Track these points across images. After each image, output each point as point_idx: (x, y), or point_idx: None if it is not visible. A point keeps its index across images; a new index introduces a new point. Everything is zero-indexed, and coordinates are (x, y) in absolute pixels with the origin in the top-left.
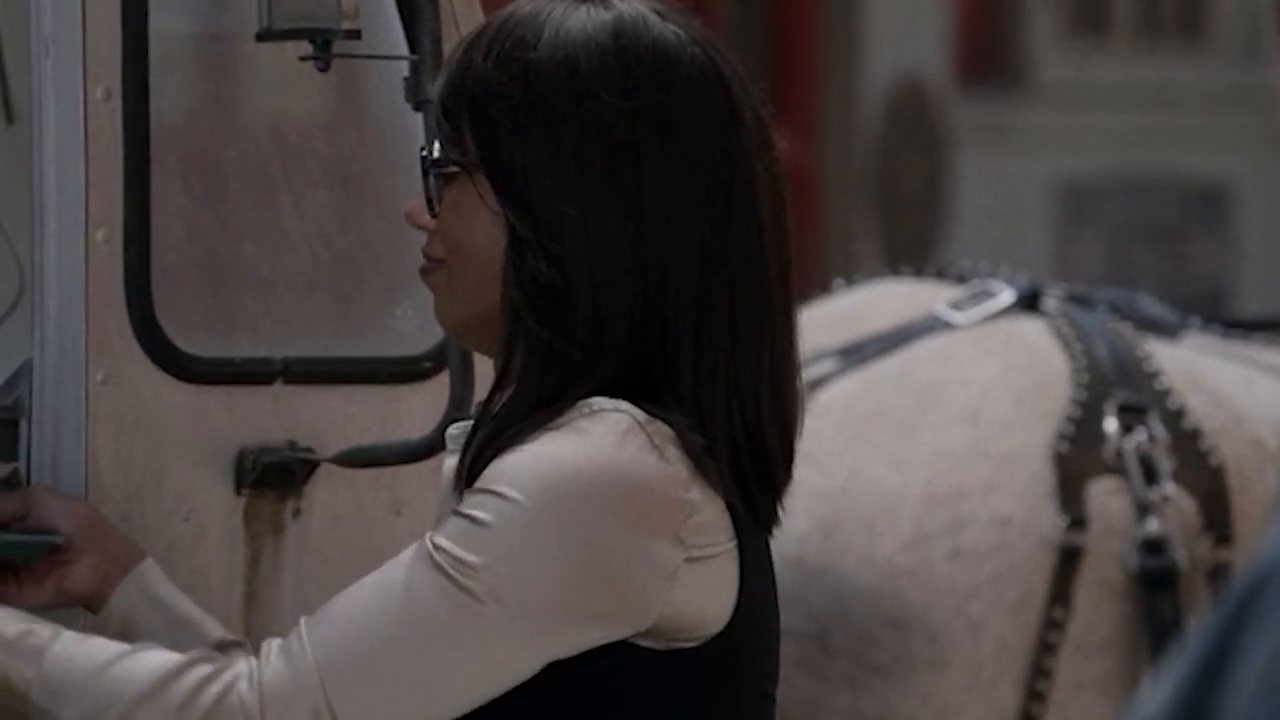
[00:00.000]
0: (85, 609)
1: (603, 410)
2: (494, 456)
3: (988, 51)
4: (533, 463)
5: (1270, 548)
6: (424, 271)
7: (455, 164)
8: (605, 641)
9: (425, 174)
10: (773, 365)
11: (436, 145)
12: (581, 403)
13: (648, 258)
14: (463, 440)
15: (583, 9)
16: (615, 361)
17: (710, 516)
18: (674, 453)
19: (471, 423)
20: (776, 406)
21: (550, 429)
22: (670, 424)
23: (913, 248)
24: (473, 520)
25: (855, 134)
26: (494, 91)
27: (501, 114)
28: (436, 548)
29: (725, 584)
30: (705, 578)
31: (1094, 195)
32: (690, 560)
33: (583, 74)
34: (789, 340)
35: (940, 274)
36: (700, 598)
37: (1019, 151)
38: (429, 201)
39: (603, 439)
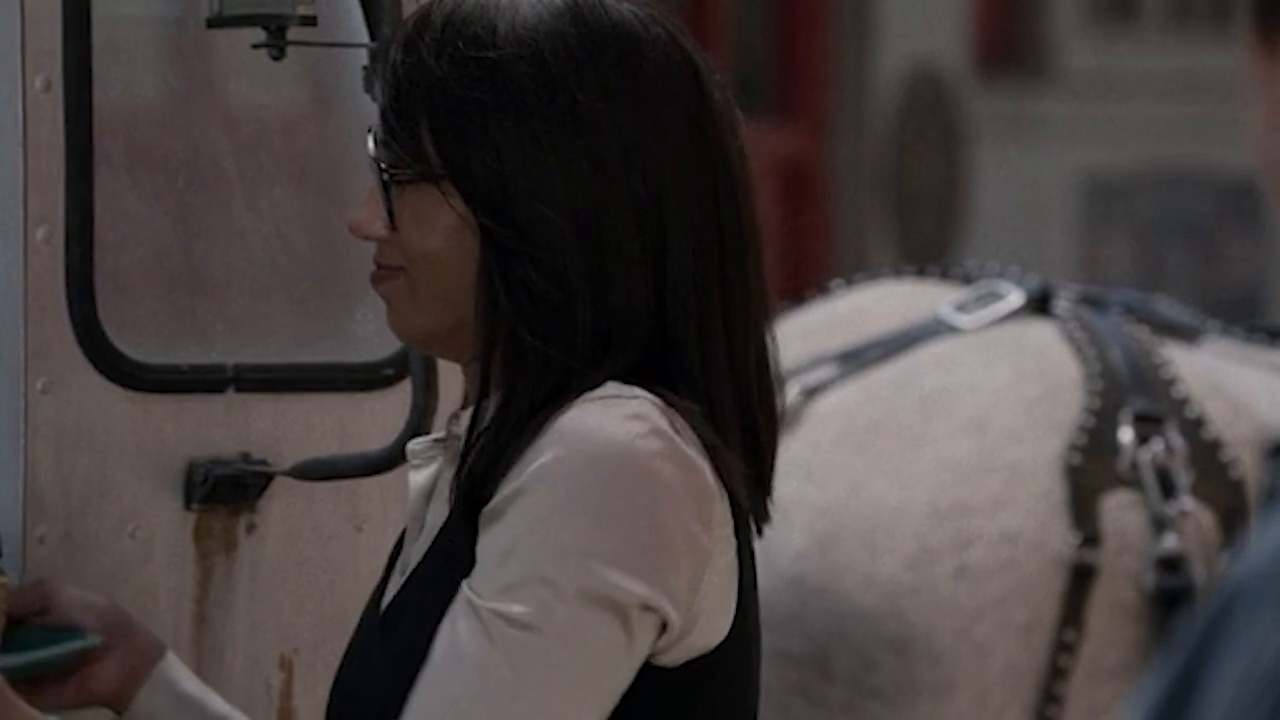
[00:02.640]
0: (110, 708)
1: (620, 396)
2: (504, 471)
3: (1008, 38)
4: (561, 464)
5: (1240, 565)
6: (377, 280)
7: (418, 175)
8: (661, 630)
9: (384, 185)
10: (759, 353)
11: (383, 149)
12: (591, 392)
13: (647, 251)
14: (427, 455)
15: None
16: (621, 361)
17: (724, 509)
18: (694, 439)
19: (434, 437)
20: (764, 396)
21: (563, 420)
22: (686, 412)
23: (928, 248)
24: (512, 551)
25: (867, 126)
26: (455, 95)
27: (467, 119)
28: (479, 600)
29: (731, 585)
30: (719, 576)
31: (1121, 191)
32: (714, 553)
33: (550, 67)
34: (768, 327)
35: (945, 274)
36: (716, 596)
37: (1041, 145)
38: (388, 212)
39: (629, 422)
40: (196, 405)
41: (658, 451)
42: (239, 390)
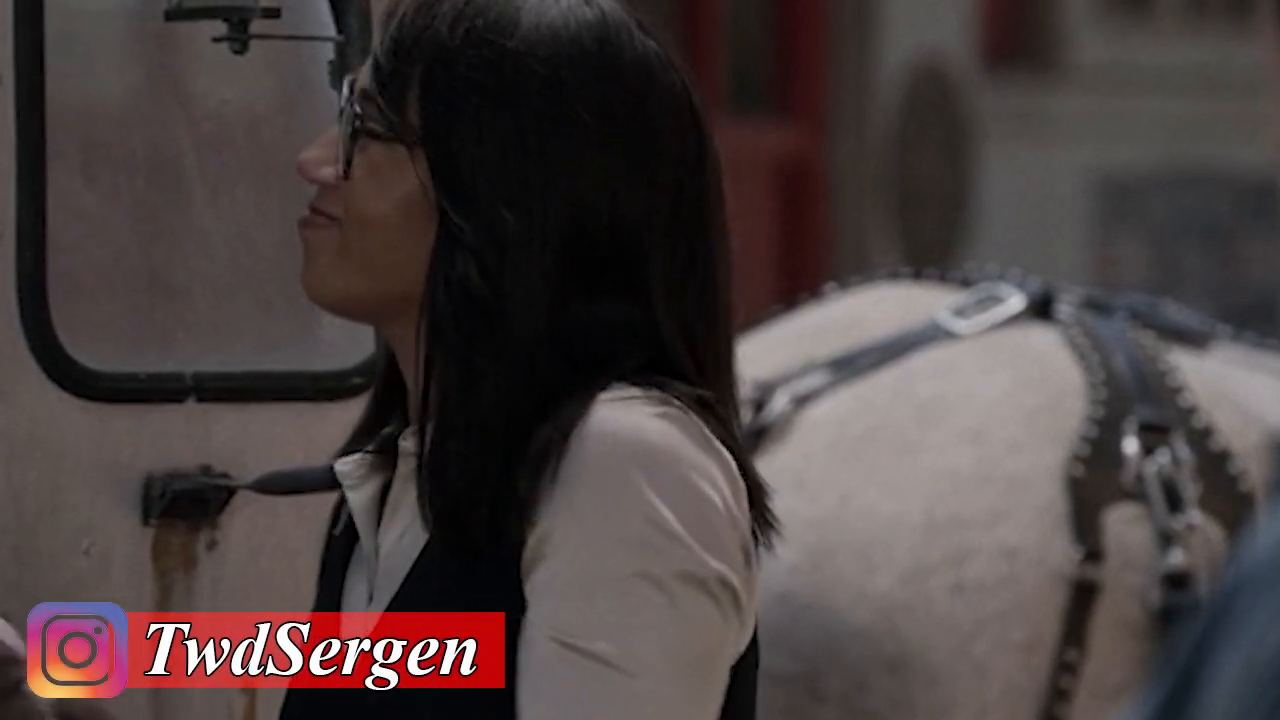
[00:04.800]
0: None
1: (639, 396)
2: (504, 494)
3: (1016, 31)
4: (603, 470)
5: (1245, 554)
6: (307, 224)
7: (393, 134)
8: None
9: (353, 132)
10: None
11: (362, 98)
12: (606, 392)
13: (616, 280)
14: (360, 475)
15: (564, 1)
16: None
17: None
18: (717, 432)
19: (363, 454)
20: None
21: (588, 425)
22: (698, 410)
23: (932, 250)
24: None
25: (869, 124)
26: (458, 71)
27: (463, 98)
28: (572, 638)
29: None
30: (754, 570)
31: (1135, 191)
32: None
33: (562, 74)
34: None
35: (943, 277)
36: (754, 590)
37: (1051, 143)
38: (346, 161)
39: (657, 419)
40: (155, 415)
41: (692, 442)
42: (199, 400)
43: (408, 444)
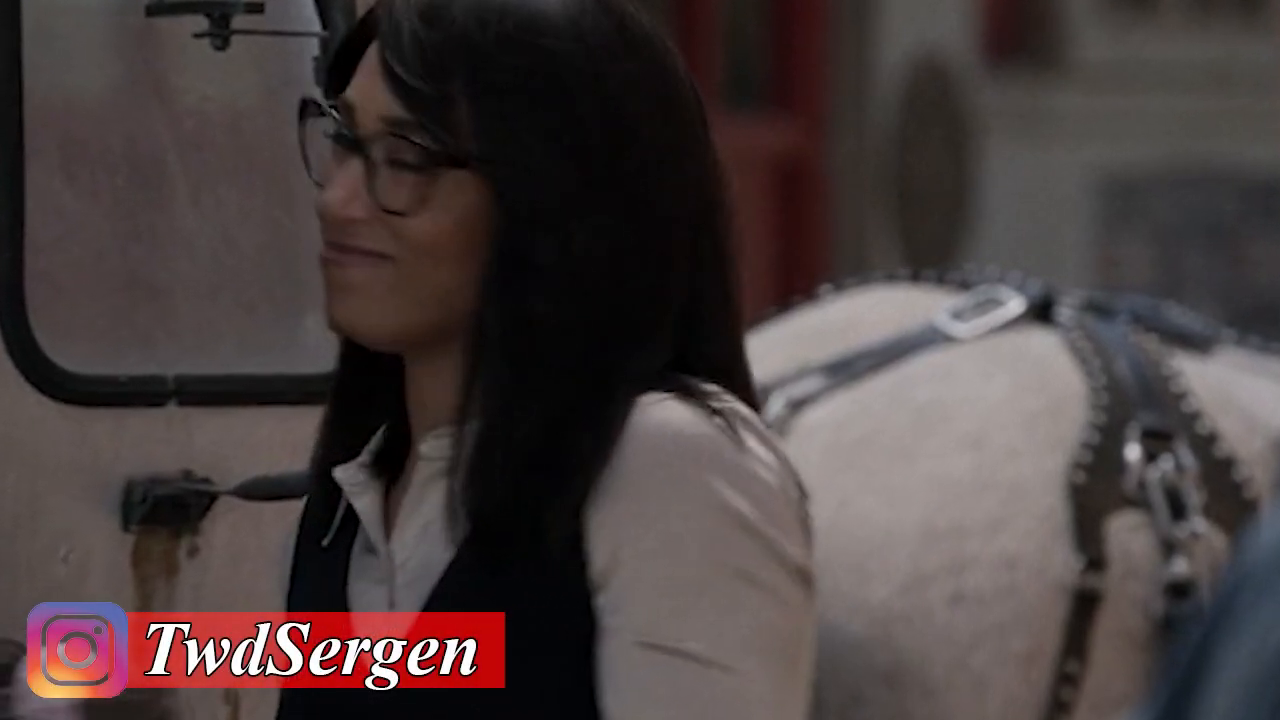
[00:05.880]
0: None
1: (690, 393)
2: (549, 497)
3: (1019, 27)
4: (671, 470)
5: (1248, 550)
6: (348, 264)
7: (445, 158)
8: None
9: (395, 162)
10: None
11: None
12: (653, 394)
13: (668, 277)
14: (361, 482)
15: None
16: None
17: None
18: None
19: (362, 462)
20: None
21: (643, 424)
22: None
23: (933, 250)
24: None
25: (869, 121)
26: (504, 79)
27: (517, 107)
28: (674, 642)
29: None
30: None
31: (1139, 190)
32: None
33: (605, 72)
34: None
35: (941, 279)
36: None
37: (1054, 141)
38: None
39: (709, 417)
40: (135, 419)
41: (742, 433)
42: (181, 403)
43: (428, 449)
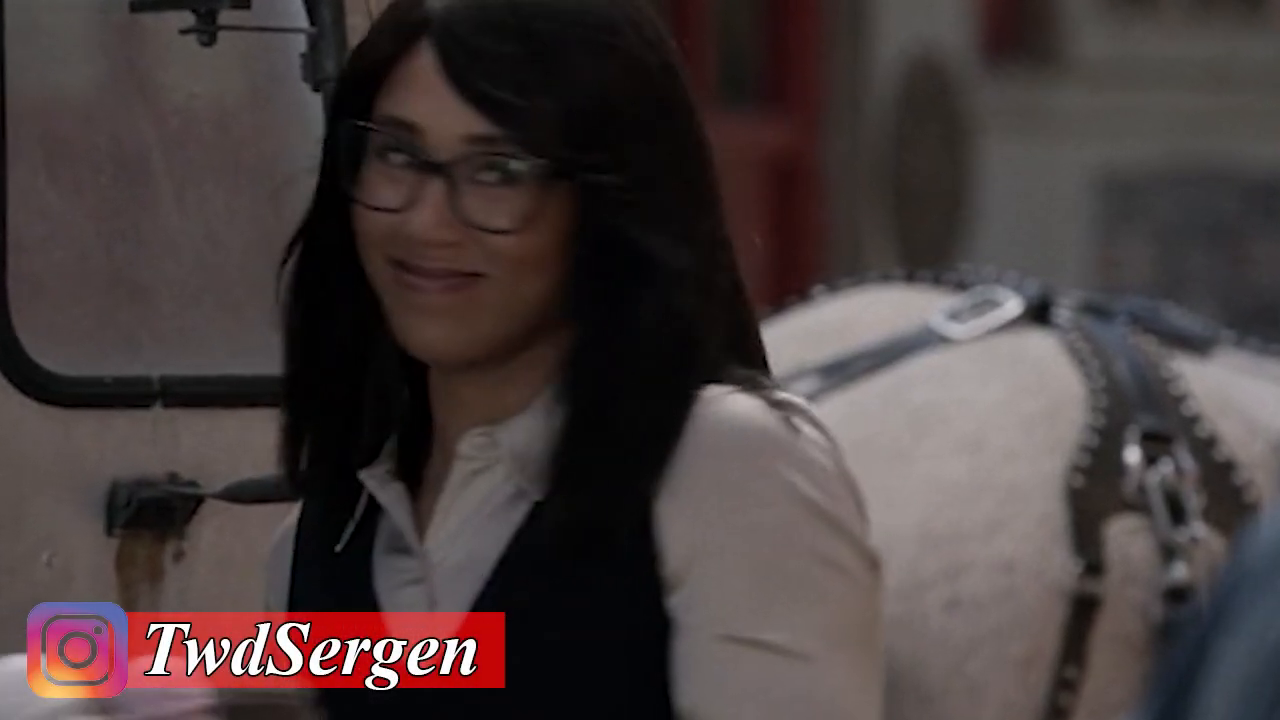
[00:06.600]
0: None
1: (753, 387)
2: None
3: (1017, 24)
4: (744, 465)
5: (1247, 546)
6: (433, 290)
7: (544, 170)
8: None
9: (489, 179)
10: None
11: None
12: (715, 388)
13: (724, 285)
14: (390, 484)
15: None
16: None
17: None
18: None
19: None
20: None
21: (713, 417)
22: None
23: (930, 250)
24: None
25: (864, 119)
26: (590, 84)
27: (607, 110)
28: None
29: None
30: None
31: (1140, 189)
32: None
33: (669, 62)
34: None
35: (937, 279)
36: None
37: (1053, 139)
38: (458, 207)
39: (773, 410)
40: (120, 421)
41: (805, 424)
42: (166, 405)
43: (467, 448)
